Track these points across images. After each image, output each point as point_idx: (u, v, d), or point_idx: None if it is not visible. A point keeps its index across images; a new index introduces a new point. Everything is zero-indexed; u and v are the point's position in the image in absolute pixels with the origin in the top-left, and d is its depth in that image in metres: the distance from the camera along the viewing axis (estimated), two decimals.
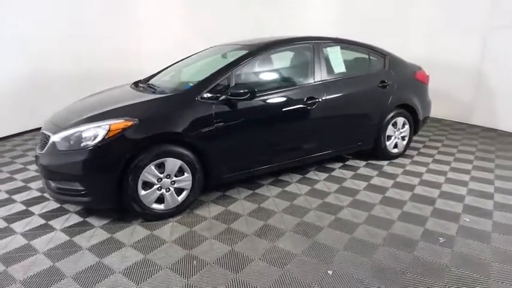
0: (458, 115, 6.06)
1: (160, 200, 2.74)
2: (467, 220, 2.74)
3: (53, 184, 2.66)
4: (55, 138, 2.60)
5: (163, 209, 2.76)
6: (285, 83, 3.42)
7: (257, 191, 3.31)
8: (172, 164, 2.70)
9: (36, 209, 2.99)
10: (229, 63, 3.02)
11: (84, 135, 2.50)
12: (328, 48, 3.57)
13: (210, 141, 2.83)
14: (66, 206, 3.00)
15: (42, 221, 2.78)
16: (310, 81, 3.38)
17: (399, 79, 3.96)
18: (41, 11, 5.35)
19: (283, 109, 3.17)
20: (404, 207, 2.95)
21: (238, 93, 2.82)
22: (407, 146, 4.23)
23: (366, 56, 3.92)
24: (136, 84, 3.57)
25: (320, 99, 3.33)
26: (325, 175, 3.67)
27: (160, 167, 2.67)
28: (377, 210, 2.91)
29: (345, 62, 3.68)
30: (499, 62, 5.33)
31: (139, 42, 6.56)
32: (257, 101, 3.02)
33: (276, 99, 3.14)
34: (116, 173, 2.50)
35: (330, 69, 3.51)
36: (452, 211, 2.88)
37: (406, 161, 4.10)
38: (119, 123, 2.52)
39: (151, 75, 3.81)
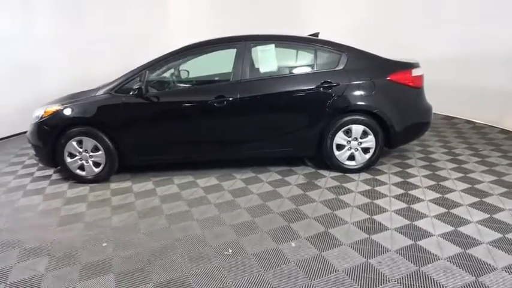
0: None
1: (83, 168, 3.61)
2: (293, 245, 2.36)
3: None
4: (33, 115, 3.84)
5: (85, 175, 3.62)
6: (195, 81, 3.62)
7: (174, 178, 3.69)
8: (89, 142, 3.50)
9: None
10: (145, 63, 3.53)
11: (35, 114, 3.63)
12: (258, 47, 3.48)
13: (118, 127, 3.47)
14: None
15: (40, 174, 4.15)
16: (224, 80, 3.45)
17: (356, 79, 3.37)
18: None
19: (185, 106, 3.42)
20: (236, 221, 2.75)
21: (131, 89, 3.34)
22: (372, 160, 3.52)
23: (312, 54, 3.52)
24: None
25: (231, 99, 3.37)
26: (249, 175, 3.62)
27: (81, 143, 3.53)
28: (212, 215, 2.86)
29: (282, 61, 3.49)
30: None
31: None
32: (161, 97, 3.44)
33: (179, 96, 3.47)
34: (48, 143, 3.51)
35: (252, 69, 3.45)
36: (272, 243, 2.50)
37: (363, 176, 3.47)
38: (52, 108, 3.52)
39: None
